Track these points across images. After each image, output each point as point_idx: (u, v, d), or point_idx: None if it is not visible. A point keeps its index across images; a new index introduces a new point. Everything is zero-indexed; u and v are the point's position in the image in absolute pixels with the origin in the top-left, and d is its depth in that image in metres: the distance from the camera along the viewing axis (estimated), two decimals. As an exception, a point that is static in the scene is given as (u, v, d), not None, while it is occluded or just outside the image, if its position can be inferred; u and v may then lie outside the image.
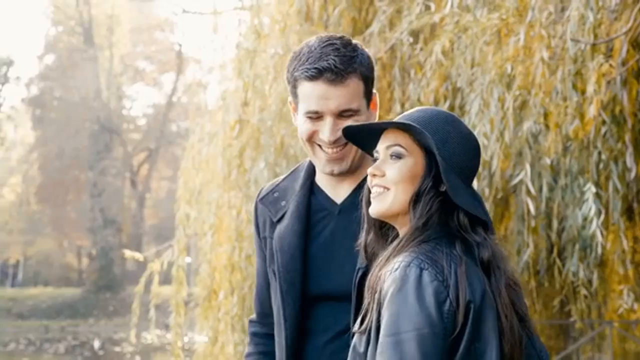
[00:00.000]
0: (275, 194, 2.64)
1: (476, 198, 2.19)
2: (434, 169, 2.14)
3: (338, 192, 2.53)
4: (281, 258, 2.50)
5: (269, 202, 2.64)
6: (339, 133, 2.38)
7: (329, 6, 7.25)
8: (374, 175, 2.19)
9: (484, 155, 5.48)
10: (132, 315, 8.97)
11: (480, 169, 5.62)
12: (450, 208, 2.13)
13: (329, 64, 2.34)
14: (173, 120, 48.86)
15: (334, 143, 2.41)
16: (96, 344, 31.27)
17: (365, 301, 2.12)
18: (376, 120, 2.55)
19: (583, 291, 6.99)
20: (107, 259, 43.18)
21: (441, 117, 2.19)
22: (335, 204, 2.53)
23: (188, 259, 8.76)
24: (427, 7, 6.33)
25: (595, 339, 9.64)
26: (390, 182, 2.16)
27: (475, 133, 5.52)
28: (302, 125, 2.45)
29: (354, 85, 2.39)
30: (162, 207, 45.93)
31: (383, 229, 2.28)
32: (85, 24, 46.95)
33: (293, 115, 2.55)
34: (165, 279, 8.84)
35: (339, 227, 2.48)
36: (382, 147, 2.21)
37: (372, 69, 2.47)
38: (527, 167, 5.54)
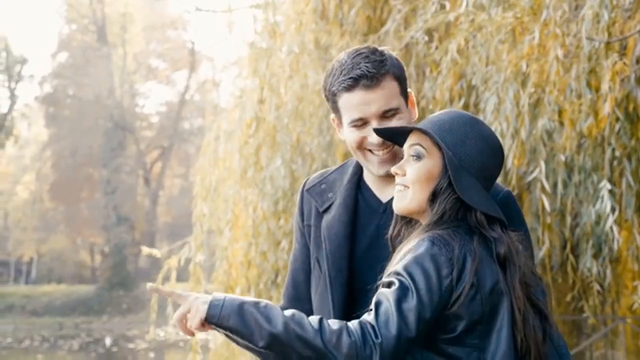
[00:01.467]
0: (323, 186, 2.75)
1: (492, 196, 2.30)
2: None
3: (384, 191, 2.62)
4: (329, 245, 2.60)
5: (315, 192, 2.75)
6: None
7: (344, 5, 7.29)
8: (396, 174, 2.32)
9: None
10: (150, 311, 9.00)
11: (494, 166, 5.68)
12: (468, 206, 2.22)
13: (362, 71, 2.45)
14: (186, 118, 48.93)
15: (383, 144, 2.50)
16: (107, 341, 31.35)
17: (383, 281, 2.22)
18: (416, 117, 2.65)
19: (596, 287, 7.00)
20: (121, 256, 43.27)
21: (461, 119, 2.29)
22: (381, 202, 2.62)
23: (201, 256, 8.80)
24: (442, 6, 6.36)
25: (608, 335, 9.66)
26: (409, 181, 2.28)
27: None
28: (350, 135, 2.55)
29: (390, 85, 2.49)
30: (175, 205, 46.06)
31: (411, 223, 2.38)
32: (99, 22, 47.04)
33: (338, 131, 2.65)
34: (181, 276, 8.89)
35: (384, 226, 2.54)
36: (406, 146, 2.33)
37: (403, 69, 2.57)
38: (542, 164, 5.58)
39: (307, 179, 2.85)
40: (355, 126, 2.53)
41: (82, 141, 46.31)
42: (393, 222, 2.42)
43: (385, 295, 2.11)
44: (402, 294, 2.09)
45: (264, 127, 7.45)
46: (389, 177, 2.54)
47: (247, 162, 7.50)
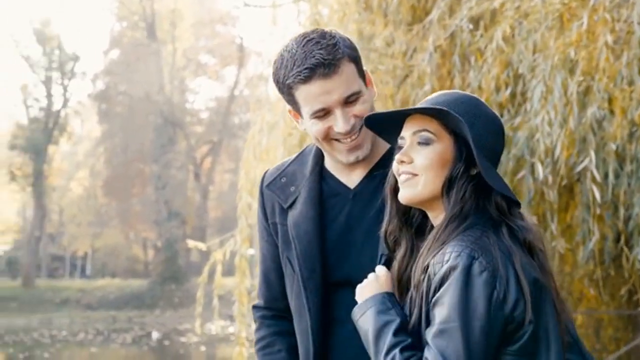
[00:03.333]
0: (283, 179, 2.62)
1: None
2: (465, 152, 2.10)
3: (351, 176, 2.52)
4: (299, 245, 2.49)
5: (276, 187, 2.62)
6: (352, 120, 2.38)
7: (388, -6, 7.22)
8: (402, 162, 2.15)
9: (547, 143, 5.40)
10: (196, 305, 9.03)
11: (543, 156, 5.55)
12: (485, 192, 2.10)
13: (317, 59, 2.32)
14: (235, 113, 49.18)
15: (351, 131, 2.38)
16: (154, 335, 31.66)
17: (408, 296, 2.10)
18: (376, 96, 2.54)
19: (652, 280, 6.86)
20: (172, 250, 43.67)
21: (466, 100, 2.15)
22: (349, 188, 2.51)
23: (251, 251, 8.79)
24: (488, -7, 6.27)
25: (664, 329, 9.47)
26: (420, 168, 2.12)
27: (538, 120, 5.46)
28: (313, 127, 2.42)
29: (347, 69, 2.36)
30: (225, 200, 46.29)
31: (407, 216, 2.24)
32: (149, 19, 47.48)
33: (297, 122, 2.54)
34: (229, 270, 8.89)
35: (355, 212, 2.46)
36: (408, 133, 2.17)
37: (355, 49, 2.44)
38: (592, 153, 5.44)
39: (265, 173, 2.73)
40: (317, 117, 2.40)
41: (133, 137, 46.84)
42: (387, 217, 2.26)
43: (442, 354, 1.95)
44: (455, 343, 1.94)
45: (308, 118, 7.40)
46: (355, 162, 2.46)
47: (290, 153, 7.43)
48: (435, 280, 1.99)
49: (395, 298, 2.17)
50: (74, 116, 51.08)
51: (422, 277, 2.04)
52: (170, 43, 47.96)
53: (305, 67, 2.33)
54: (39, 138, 44.85)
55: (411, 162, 2.13)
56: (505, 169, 5.99)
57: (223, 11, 50.27)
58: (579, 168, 5.65)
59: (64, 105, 46.92)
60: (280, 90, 2.46)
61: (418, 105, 2.17)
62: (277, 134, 7.79)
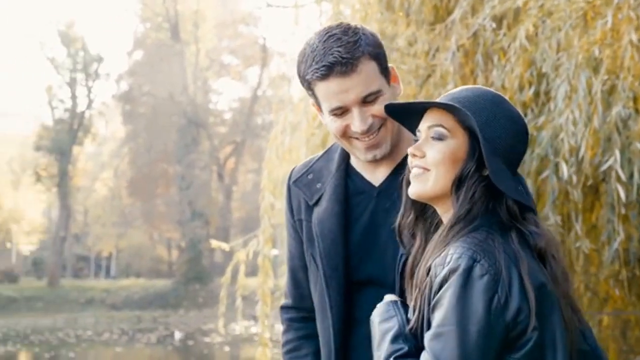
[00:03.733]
0: (310, 176, 2.59)
1: (521, 183, 2.10)
2: (477, 151, 2.03)
3: (376, 174, 2.47)
4: (322, 243, 2.45)
5: (303, 184, 2.59)
6: (370, 120, 2.34)
7: (410, -7, 7.19)
8: (414, 156, 2.09)
9: (572, 142, 5.36)
10: (219, 305, 9.04)
11: (567, 155, 5.51)
12: (497, 194, 2.02)
13: (335, 57, 2.28)
14: (258, 114, 49.28)
15: (368, 131, 2.34)
16: (177, 335, 31.77)
17: (413, 296, 2.05)
18: (401, 93, 2.49)
19: (679, 281, 6.80)
20: (196, 251, 43.84)
21: (488, 97, 2.07)
22: (374, 186, 2.47)
23: (275, 251, 8.78)
24: (510, -8, 6.23)
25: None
26: (431, 163, 2.05)
27: (562, 119, 5.41)
28: (332, 124, 2.39)
29: (367, 68, 2.31)
30: (249, 200, 46.40)
31: (425, 210, 2.19)
32: (172, 20, 47.69)
33: (320, 115, 2.49)
34: (253, 271, 8.89)
35: (379, 210, 2.42)
36: (424, 126, 2.10)
37: (379, 45, 2.38)
38: (617, 153, 5.38)
39: (293, 170, 2.69)
40: (335, 115, 2.36)
41: (157, 138, 47.07)
42: (402, 210, 2.21)
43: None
44: (449, 347, 1.87)
45: (330, 118, 7.39)
46: (378, 160, 2.42)
47: (313, 154, 7.41)
48: (436, 283, 1.93)
49: (401, 304, 2.15)
50: (99, 117, 51.41)
51: (425, 279, 1.99)
52: (193, 44, 48.14)
53: (323, 64, 2.29)
54: (64, 139, 45.18)
55: (423, 156, 2.07)
56: (528, 169, 5.95)
57: (245, 12, 50.41)
58: (604, 167, 5.60)
59: (89, 106, 47.23)
60: (302, 83, 2.43)
61: (439, 99, 2.11)
62: (299, 134, 7.79)
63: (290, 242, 2.68)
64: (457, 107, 2.02)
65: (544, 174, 5.84)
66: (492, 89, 2.16)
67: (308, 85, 2.38)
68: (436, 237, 2.04)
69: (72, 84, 46.82)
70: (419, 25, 7.02)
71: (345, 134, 2.38)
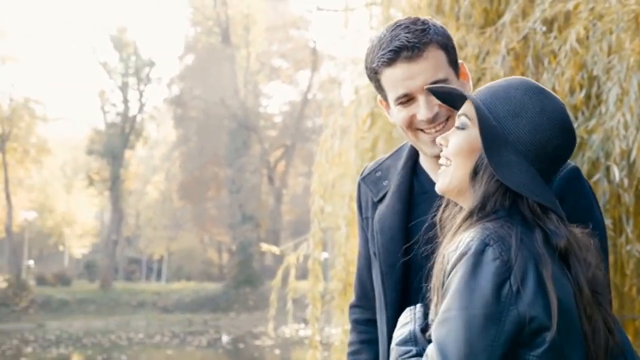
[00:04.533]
0: (378, 173, 2.52)
1: (540, 179, 1.93)
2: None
3: None
4: (382, 239, 2.38)
5: (370, 181, 2.52)
6: (436, 109, 2.25)
7: (460, -3, 7.18)
8: (441, 144, 2.03)
9: (623, 145, 5.32)
10: (270, 308, 9.08)
11: (618, 159, 5.47)
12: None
13: (402, 42, 2.21)
14: (308, 117, 49.40)
15: (434, 121, 2.25)
16: (224, 338, 31.95)
17: (432, 284, 1.93)
18: (471, 91, 2.36)
19: None
20: (246, 254, 44.03)
21: (521, 88, 1.96)
22: None
23: (325, 254, 8.81)
24: (561, -5, 6.21)
25: None
26: (451, 153, 1.98)
27: (613, 122, 5.37)
28: (398, 115, 2.30)
29: (434, 55, 2.23)
30: (299, 203, 46.53)
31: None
32: (223, 24, 47.98)
33: (387, 113, 2.41)
34: (303, 274, 8.93)
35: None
36: (457, 115, 2.04)
37: (449, 37, 2.30)
38: (670, 156, 5.35)
39: (365, 167, 2.63)
40: (401, 103, 2.27)
41: (208, 141, 47.39)
42: (444, 203, 2.11)
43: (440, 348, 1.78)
44: (454, 332, 1.76)
45: (380, 122, 7.39)
46: None
47: (363, 157, 7.45)
48: (447, 269, 1.83)
49: (421, 308, 2.08)
50: (150, 121, 51.90)
51: (440, 268, 1.88)
52: (244, 48, 48.38)
53: (389, 49, 2.23)
54: (116, 143, 45.68)
55: (447, 145, 2.00)
56: (580, 172, 5.91)
57: (296, 15, 50.56)
58: (656, 171, 5.55)
59: (140, 110, 47.72)
60: (369, 77, 2.35)
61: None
62: (349, 138, 7.82)
63: (359, 240, 2.66)
64: (465, 95, 1.98)
65: (595, 177, 5.80)
66: (533, 81, 2.03)
67: (375, 76, 2.31)
68: (452, 227, 1.95)
69: (124, 88, 47.35)
70: (469, 28, 7.01)
71: (412, 125, 2.30)
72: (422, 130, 2.30)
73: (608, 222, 5.85)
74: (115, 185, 45.71)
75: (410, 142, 2.43)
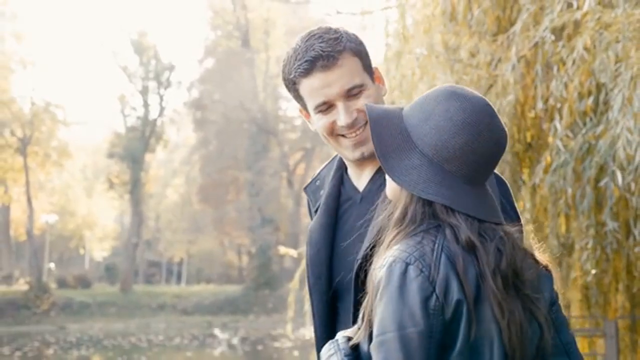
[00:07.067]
0: (317, 182, 2.57)
1: (450, 180, 1.94)
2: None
3: (361, 179, 2.41)
4: (310, 252, 2.42)
5: (311, 190, 2.58)
6: (355, 114, 2.29)
7: (473, 5, 7.31)
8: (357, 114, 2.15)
9: (629, 150, 5.44)
10: (288, 310, 9.18)
11: (624, 164, 5.61)
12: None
13: (316, 52, 2.25)
14: (328, 120, 49.33)
15: (353, 126, 2.29)
16: (234, 340, 32.02)
17: (365, 300, 1.97)
18: (386, 94, 2.46)
19: None
20: (266, 257, 44.04)
21: (435, 94, 2.00)
22: (358, 191, 2.40)
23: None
24: (570, 4, 6.32)
25: None
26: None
27: (619, 128, 5.50)
28: (318, 122, 2.34)
29: (349, 62, 2.28)
30: (318, 206, 46.41)
31: None
32: (243, 28, 48.05)
33: (309, 122, 2.47)
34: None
35: (360, 216, 2.31)
36: None
37: (361, 44, 2.35)
38: (674, 161, 5.47)
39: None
40: (321, 111, 2.31)
41: (227, 145, 47.44)
42: (379, 207, 2.12)
43: None
44: (393, 353, 1.81)
45: (395, 128, 7.53)
46: (364, 162, 2.36)
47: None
48: (375, 288, 1.90)
49: (343, 338, 2.08)
50: (170, 124, 52.05)
51: (369, 283, 1.95)
52: (263, 51, 48.42)
53: (305, 59, 2.27)
54: (136, 146, 45.79)
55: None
56: (587, 177, 6.05)
57: (315, 19, 50.55)
58: (662, 175, 5.68)
59: (160, 114, 47.86)
60: (287, 87, 2.40)
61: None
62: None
63: None
64: (369, 112, 2.04)
65: (603, 182, 5.93)
66: (456, 86, 2.05)
67: (293, 87, 2.35)
68: (382, 241, 1.99)
69: (144, 92, 47.51)
70: (481, 36, 7.15)
71: (333, 131, 2.33)
72: (343, 135, 2.33)
73: (615, 225, 5.98)
74: (135, 189, 45.84)
75: (333, 148, 2.44)
